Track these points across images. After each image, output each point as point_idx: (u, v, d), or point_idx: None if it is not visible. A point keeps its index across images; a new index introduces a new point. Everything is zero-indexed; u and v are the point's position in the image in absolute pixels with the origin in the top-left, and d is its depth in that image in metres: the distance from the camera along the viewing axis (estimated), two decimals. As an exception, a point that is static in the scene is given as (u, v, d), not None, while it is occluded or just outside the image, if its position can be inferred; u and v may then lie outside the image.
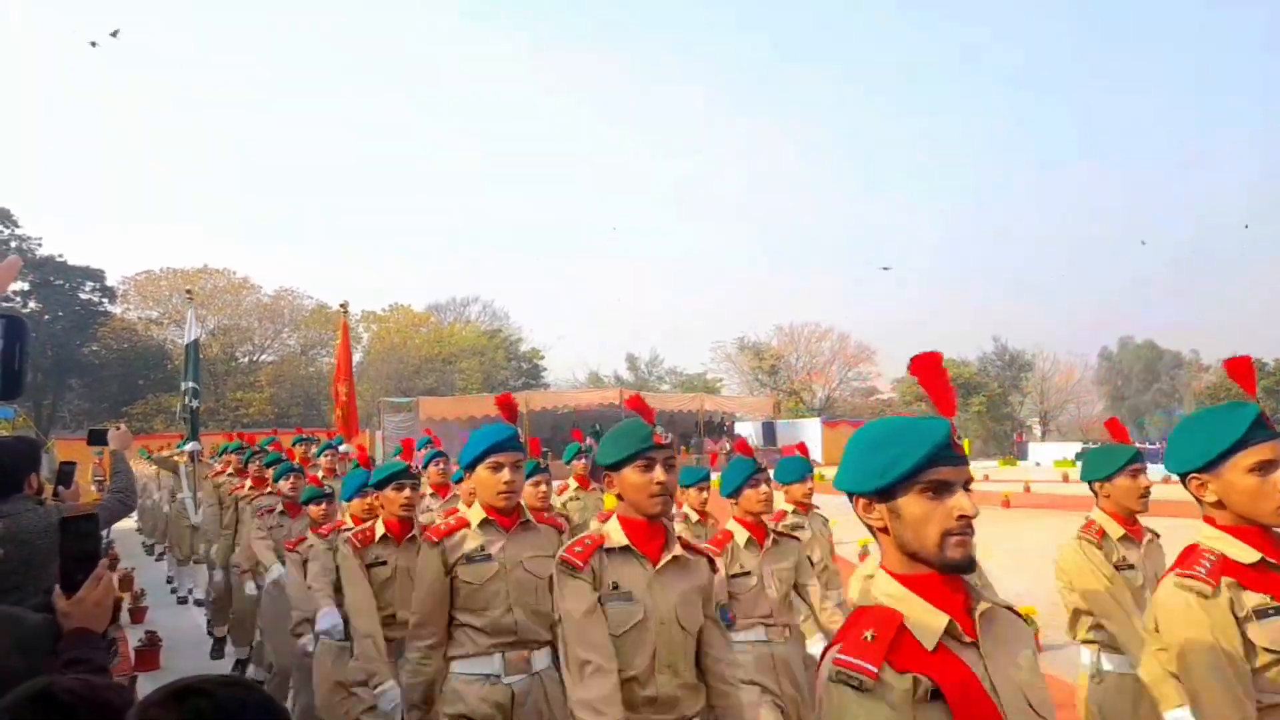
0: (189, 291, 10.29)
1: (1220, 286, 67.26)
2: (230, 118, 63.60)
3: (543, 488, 4.52)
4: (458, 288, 70.17)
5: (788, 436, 31.83)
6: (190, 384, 9.45)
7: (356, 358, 26.72)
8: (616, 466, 2.15)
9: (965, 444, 1.35)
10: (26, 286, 33.74)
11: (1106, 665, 2.75)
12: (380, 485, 3.51)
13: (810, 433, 33.90)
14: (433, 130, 71.29)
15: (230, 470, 7.06)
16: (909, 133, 72.34)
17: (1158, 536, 2.94)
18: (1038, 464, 32.75)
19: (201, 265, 38.77)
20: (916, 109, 72.31)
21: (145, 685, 5.03)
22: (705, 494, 4.45)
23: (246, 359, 40.42)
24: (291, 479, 5.11)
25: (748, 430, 34.18)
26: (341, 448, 7.77)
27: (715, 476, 3.98)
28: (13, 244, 33.98)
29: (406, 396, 31.51)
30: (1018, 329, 69.41)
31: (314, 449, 6.85)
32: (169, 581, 10.04)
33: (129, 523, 14.62)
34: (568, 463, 6.27)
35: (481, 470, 2.69)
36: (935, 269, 70.04)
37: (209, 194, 63.83)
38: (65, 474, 3.41)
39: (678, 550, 2.19)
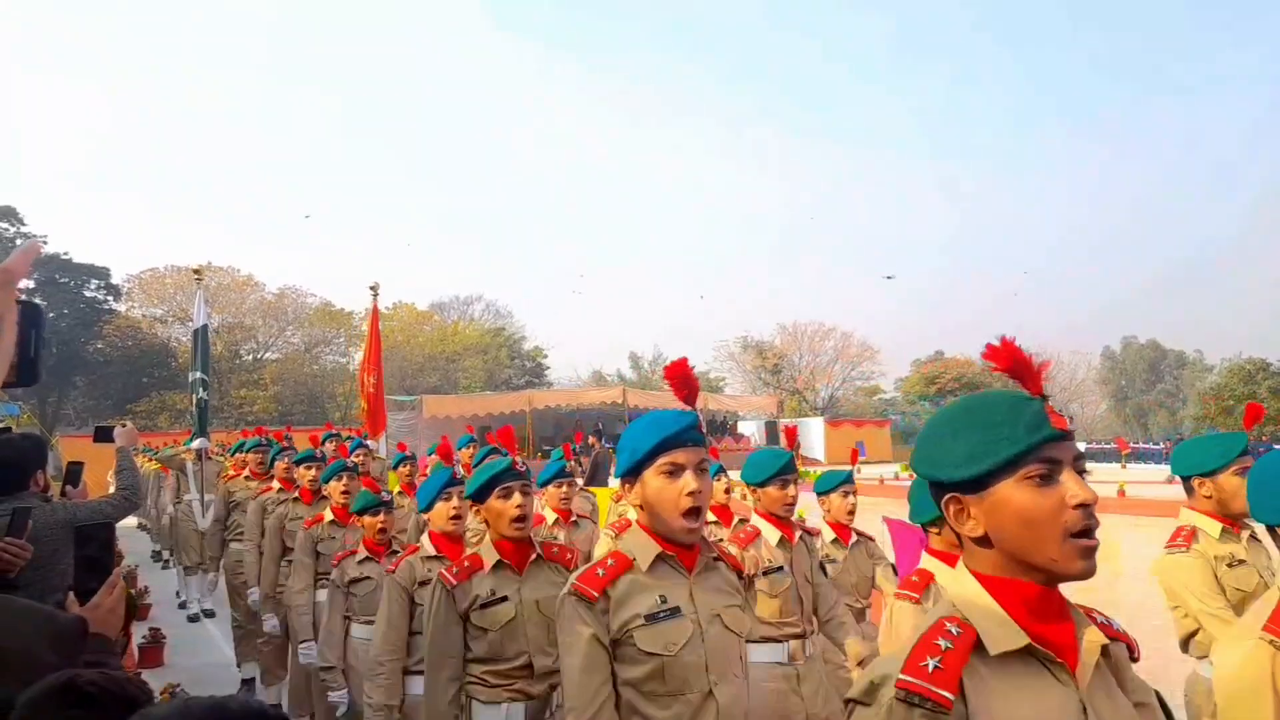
0: (197, 272, 9.77)
1: (1224, 286, 67.02)
2: (233, 118, 63.69)
3: (564, 489, 4.25)
4: (461, 286, 70.19)
5: (791, 436, 31.67)
6: (199, 374, 8.66)
7: (359, 356, 26.72)
8: (982, 482, 1.04)
9: None
10: (31, 284, 33.84)
11: None
12: (479, 495, 2.42)
13: (813, 432, 33.83)
14: (435, 130, 71.27)
15: (246, 473, 6.25)
16: (912, 130, 72.17)
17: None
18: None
19: (205, 263, 38.84)
20: (921, 106, 72.13)
21: (149, 682, 4.96)
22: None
23: (250, 357, 40.49)
24: (345, 480, 4.19)
25: (750, 430, 34.12)
26: (368, 443, 7.25)
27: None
28: (18, 241, 34.07)
29: (410, 394, 31.52)
30: (1021, 328, 69.23)
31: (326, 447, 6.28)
32: (180, 602, 8.60)
33: (131, 520, 14.64)
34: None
35: (651, 476, 1.73)
36: (939, 268, 69.90)
37: (212, 192, 63.91)
38: (74, 473, 3.38)
39: (1100, 639, 1.08)
